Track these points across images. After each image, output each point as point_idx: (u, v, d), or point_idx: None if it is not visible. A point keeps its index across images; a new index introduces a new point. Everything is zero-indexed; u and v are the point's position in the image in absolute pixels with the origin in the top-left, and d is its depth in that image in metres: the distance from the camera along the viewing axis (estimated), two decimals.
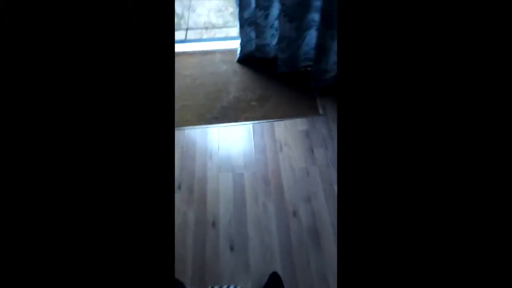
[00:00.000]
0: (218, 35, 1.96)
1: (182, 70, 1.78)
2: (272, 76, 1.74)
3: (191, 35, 1.98)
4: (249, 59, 1.80)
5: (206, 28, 2.00)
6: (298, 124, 1.58)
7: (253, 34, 1.68)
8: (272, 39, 1.68)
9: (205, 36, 1.94)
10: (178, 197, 1.40)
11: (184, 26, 2.01)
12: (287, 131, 1.56)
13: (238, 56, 1.78)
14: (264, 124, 1.58)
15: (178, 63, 1.81)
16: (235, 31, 1.66)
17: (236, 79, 1.73)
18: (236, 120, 1.59)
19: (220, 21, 2.04)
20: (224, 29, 1.98)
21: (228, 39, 1.91)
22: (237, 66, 1.79)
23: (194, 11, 2.11)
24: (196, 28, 2.01)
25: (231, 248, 1.28)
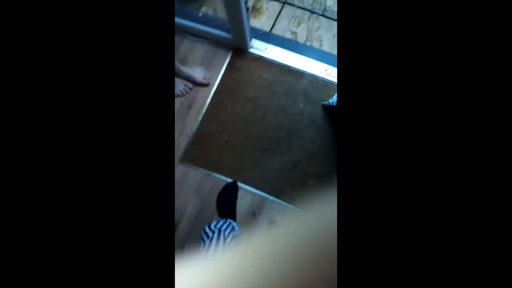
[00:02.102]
0: (323, 47, 1.33)
1: (245, 86, 1.28)
2: None
3: (279, 29, 1.34)
4: None
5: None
6: None
7: None
8: None
9: (300, 40, 1.33)
10: None
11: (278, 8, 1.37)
12: None
13: (330, 101, 1.22)
14: None
15: (246, 71, 1.29)
16: None
17: (308, 133, 1.23)
18: (277, 195, 1.18)
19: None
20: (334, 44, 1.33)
21: (330, 62, 1.30)
22: (318, 113, 1.25)
23: None
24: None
25: None
